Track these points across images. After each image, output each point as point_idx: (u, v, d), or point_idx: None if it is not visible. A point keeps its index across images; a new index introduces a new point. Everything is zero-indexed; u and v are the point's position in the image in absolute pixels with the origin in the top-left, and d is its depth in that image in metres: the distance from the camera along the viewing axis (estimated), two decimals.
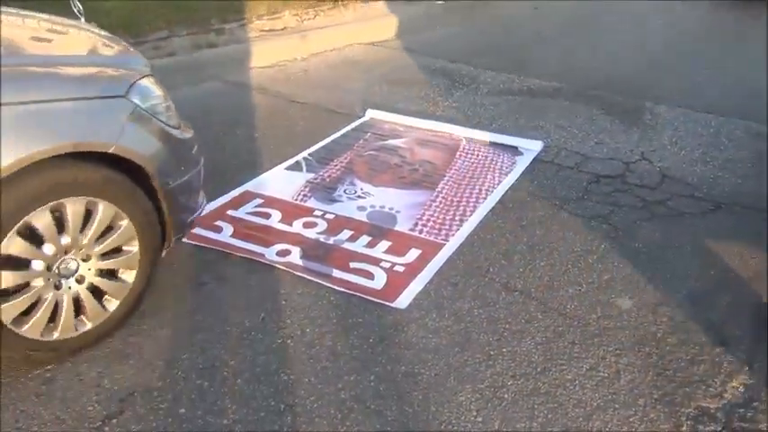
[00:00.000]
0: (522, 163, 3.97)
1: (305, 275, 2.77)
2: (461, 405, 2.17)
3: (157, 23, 5.57)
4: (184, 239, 2.84)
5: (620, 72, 5.94)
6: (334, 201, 3.38)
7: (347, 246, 3.00)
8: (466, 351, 2.42)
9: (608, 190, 3.74)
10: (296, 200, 3.36)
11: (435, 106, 4.89)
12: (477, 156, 4.02)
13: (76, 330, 2.25)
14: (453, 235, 3.14)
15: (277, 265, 2.82)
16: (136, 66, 2.43)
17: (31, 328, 2.12)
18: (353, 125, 4.39)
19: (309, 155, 3.89)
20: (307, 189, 3.48)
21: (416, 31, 6.95)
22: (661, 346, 2.51)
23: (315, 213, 3.24)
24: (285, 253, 2.91)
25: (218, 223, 3.08)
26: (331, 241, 3.03)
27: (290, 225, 3.13)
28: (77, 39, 2.63)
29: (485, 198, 3.51)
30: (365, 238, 3.06)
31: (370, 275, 2.79)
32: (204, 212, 2.90)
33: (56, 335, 2.19)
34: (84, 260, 2.23)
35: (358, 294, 2.67)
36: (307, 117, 4.52)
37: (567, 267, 2.97)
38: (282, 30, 6.11)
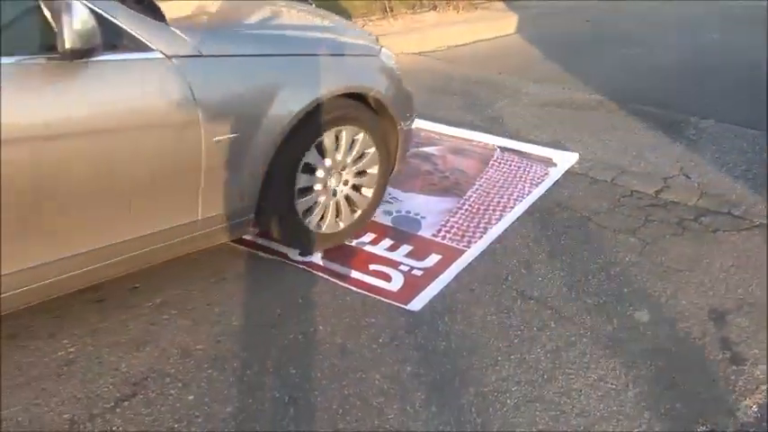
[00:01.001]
0: (555, 174, 3.95)
1: (324, 275, 2.84)
2: (462, 407, 2.20)
3: None
4: None
5: (668, 86, 5.84)
6: None
7: (368, 248, 3.06)
8: (474, 355, 2.44)
9: (641, 204, 3.69)
10: None
11: (474, 116, 4.92)
12: (510, 166, 4.03)
13: (334, 229, 2.98)
14: (476, 242, 3.16)
15: (298, 265, 2.90)
16: (370, 37, 3.28)
17: (310, 222, 2.88)
18: None
19: None
20: None
21: (464, 43, 6.99)
22: (675, 361, 2.48)
23: None
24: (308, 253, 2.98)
25: None
26: (353, 243, 3.09)
27: None
28: (334, 18, 3.43)
29: (512, 207, 3.52)
30: (387, 242, 3.12)
31: (387, 278, 2.84)
32: None
33: (323, 228, 2.94)
34: (343, 173, 2.98)
35: (373, 295, 2.73)
36: None
37: (588, 278, 2.95)
38: None
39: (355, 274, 2.86)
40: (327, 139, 2.80)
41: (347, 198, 3.01)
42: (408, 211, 3.41)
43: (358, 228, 3.12)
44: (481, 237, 3.21)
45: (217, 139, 2.41)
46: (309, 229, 2.88)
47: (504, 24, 7.74)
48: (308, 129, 2.70)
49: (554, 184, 3.86)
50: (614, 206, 3.64)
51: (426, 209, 3.45)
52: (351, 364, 2.36)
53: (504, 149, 4.25)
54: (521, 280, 2.91)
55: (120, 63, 2.18)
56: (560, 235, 3.30)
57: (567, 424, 2.16)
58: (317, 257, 2.96)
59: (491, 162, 4.06)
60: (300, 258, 2.95)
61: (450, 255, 3.05)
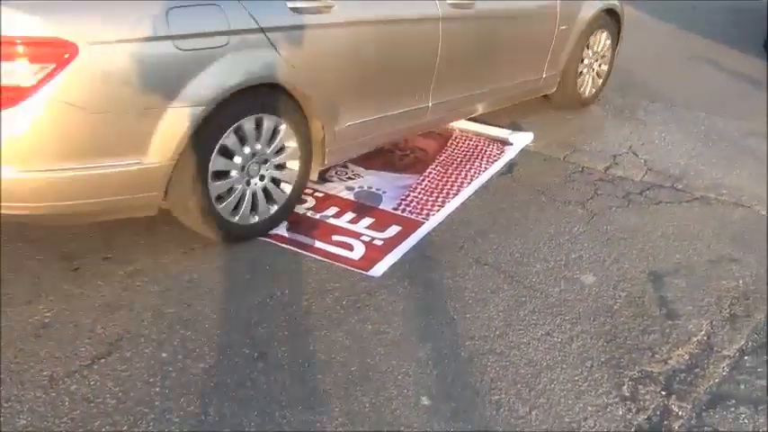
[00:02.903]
0: (510, 153, 4.15)
1: (289, 245, 2.98)
2: (420, 360, 2.37)
3: None
4: None
5: (624, 73, 6.06)
6: (325, 180, 3.59)
7: (331, 221, 3.21)
8: (431, 315, 2.61)
9: (591, 179, 3.90)
10: None
11: None
12: (468, 144, 4.21)
13: (584, 95, 5.00)
14: (434, 215, 3.34)
15: (264, 237, 3.04)
16: None
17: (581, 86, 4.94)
18: None
19: None
20: None
21: None
22: (615, 317, 2.68)
23: (305, 191, 3.45)
24: None
25: None
26: (317, 216, 3.24)
27: None
28: None
29: (469, 183, 3.70)
30: (349, 215, 3.27)
31: (349, 247, 3.00)
32: None
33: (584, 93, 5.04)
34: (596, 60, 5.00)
35: (336, 263, 2.88)
36: None
37: (539, 246, 3.14)
38: None
39: (319, 244, 3.00)
40: (597, 34, 4.76)
41: (597, 74, 4.97)
42: (370, 187, 3.57)
43: (596, 96, 5.09)
44: (439, 210, 3.39)
45: (561, 28, 4.35)
46: (579, 91, 4.81)
47: None
48: (590, 27, 4.63)
49: (510, 161, 4.05)
50: (565, 181, 3.85)
51: (387, 185, 3.61)
52: (316, 323, 2.51)
53: (462, 130, 4.42)
54: (476, 248, 3.09)
55: None
56: (515, 208, 3.49)
57: (516, 373, 2.34)
58: (281, 229, 3.10)
59: (450, 142, 4.24)
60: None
61: (409, 226, 3.21)
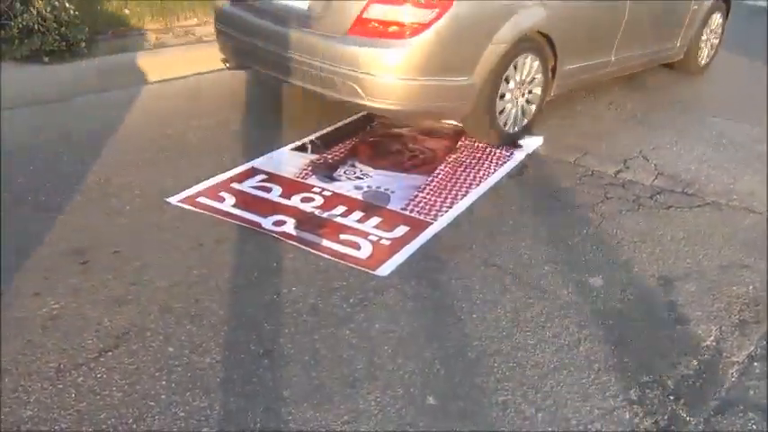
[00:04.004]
0: (520, 155, 4.13)
1: (296, 243, 2.98)
2: (426, 359, 2.36)
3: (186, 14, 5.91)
4: (187, 206, 3.12)
5: (637, 77, 6.04)
6: (333, 180, 3.59)
7: (339, 220, 3.20)
8: (438, 315, 2.60)
9: (601, 183, 3.88)
10: (298, 177, 3.58)
11: None
12: (477, 146, 4.20)
13: (701, 63, 6.29)
14: (442, 215, 3.33)
15: (272, 234, 3.04)
16: None
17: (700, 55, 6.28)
18: (363, 113, 4.59)
19: (317, 138, 4.11)
20: (309, 168, 3.70)
21: None
22: (624, 320, 2.67)
23: (313, 190, 3.46)
24: (281, 223, 3.12)
25: (222, 194, 3.32)
26: (325, 215, 3.23)
27: (289, 199, 3.34)
28: None
29: (478, 184, 3.69)
30: (357, 214, 3.26)
31: (357, 246, 2.99)
32: (210, 185, 3.39)
33: (702, 61, 6.35)
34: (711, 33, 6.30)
35: (344, 262, 2.87)
36: (320, 104, 4.73)
37: (548, 248, 3.13)
38: None
39: (326, 243, 3.00)
40: (714, 14, 5.97)
41: (711, 46, 6.22)
42: (378, 187, 3.56)
43: (708, 65, 6.34)
44: (448, 210, 3.38)
45: (693, 8, 5.59)
46: (698, 60, 6.10)
47: None
48: (711, 8, 5.86)
49: (519, 163, 4.03)
50: (575, 185, 3.83)
51: (396, 185, 3.60)
52: (322, 321, 2.51)
53: None
54: (484, 249, 3.08)
55: None
56: (523, 210, 3.48)
57: (523, 374, 2.33)
58: (289, 227, 3.09)
59: (459, 143, 4.23)
60: (273, 228, 3.08)
61: (417, 226, 3.21)
